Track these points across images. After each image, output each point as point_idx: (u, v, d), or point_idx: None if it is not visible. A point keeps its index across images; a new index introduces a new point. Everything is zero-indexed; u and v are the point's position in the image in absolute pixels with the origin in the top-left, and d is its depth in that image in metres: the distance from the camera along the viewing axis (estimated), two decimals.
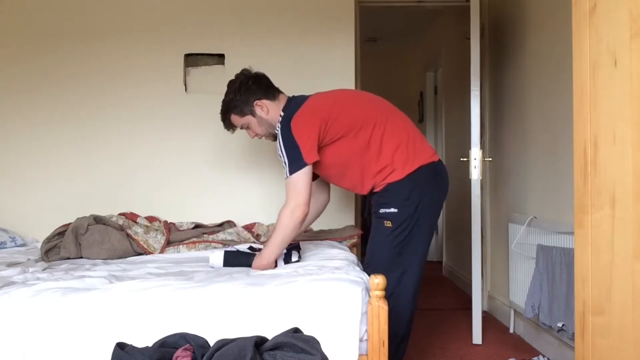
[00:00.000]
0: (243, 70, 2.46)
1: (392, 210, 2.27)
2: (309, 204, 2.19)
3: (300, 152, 2.18)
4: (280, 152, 2.22)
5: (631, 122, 1.17)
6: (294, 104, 2.34)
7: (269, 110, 2.38)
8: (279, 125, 2.27)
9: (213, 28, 3.38)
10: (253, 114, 2.38)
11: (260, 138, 2.50)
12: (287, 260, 2.30)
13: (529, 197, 3.11)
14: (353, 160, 2.31)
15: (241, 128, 2.45)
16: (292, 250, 2.35)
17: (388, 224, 2.28)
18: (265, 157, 3.37)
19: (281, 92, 2.46)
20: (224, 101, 2.42)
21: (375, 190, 2.34)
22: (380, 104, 2.43)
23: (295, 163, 2.17)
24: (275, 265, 2.24)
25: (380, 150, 2.28)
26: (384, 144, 2.28)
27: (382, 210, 2.29)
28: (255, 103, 2.37)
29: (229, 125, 2.45)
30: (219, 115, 2.46)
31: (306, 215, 2.20)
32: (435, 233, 5.77)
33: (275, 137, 2.35)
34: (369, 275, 1.82)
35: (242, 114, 2.39)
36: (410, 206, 2.26)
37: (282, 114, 2.34)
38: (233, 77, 2.45)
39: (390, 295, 2.15)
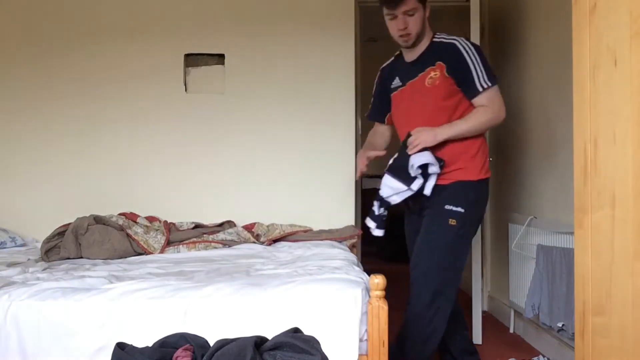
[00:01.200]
0: None
1: (459, 209, 2.22)
2: None
3: (489, 65, 2.25)
4: (472, 61, 2.20)
5: (631, 122, 1.17)
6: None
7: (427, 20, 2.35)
8: (466, 43, 2.26)
9: (213, 28, 3.38)
10: (424, 9, 2.33)
11: (403, 36, 2.32)
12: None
13: (529, 197, 3.11)
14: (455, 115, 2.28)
15: (404, 13, 2.27)
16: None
17: (453, 222, 2.21)
18: (266, 157, 3.37)
19: None
20: None
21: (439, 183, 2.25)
22: None
23: (492, 78, 2.22)
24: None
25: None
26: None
27: (447, 207, 2.23)
28: (427, 2, 2.33)
29: (403, 2, 2.25)
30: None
31: (496, 125, 2.34)
32: None
33: (409, 46, 2.36)
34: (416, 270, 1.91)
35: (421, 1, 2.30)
36: (476, 211, 2.28)
37: (439, 33, 2.37)
38: None
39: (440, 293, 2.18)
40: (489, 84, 2.20)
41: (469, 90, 2.23)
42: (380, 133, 2.66)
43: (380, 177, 2.34)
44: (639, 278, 1.14)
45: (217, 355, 1.16)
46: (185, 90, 3.39)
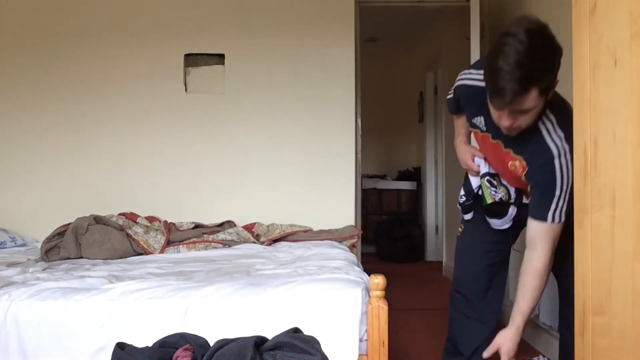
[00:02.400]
0: (537, 21, 1.59)
1: None
2: None
3: (569, 206, 1.68)
4: (561, 188, 1.69)
5: (631, 122, 1.17)
6: (561, 106, 1.77)
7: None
8: (565, 158, 1.67)
9: (213, 28, 3.38)
10: (547, 98, 1.65)
11: (511, 132, 1.71)
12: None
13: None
14: None
15: (520, 112, 1.61)
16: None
17: None
18: (266, 156, 3.38)
19: None
20: (526, 62, 1.51)
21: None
22: None
23: (570, 207, 1.66)
24: None
25: None
26: None
27: None
28: (555, 83, 1.65)
29: (516, 101, 1.56)
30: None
31: None
32: (435, 233, 5.81)
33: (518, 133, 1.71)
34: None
35: (545, 94, 1.61)
36: None
37: (549, 113, 1.72)
38: (532, 25, 1.55)
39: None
40: (562, 219, 1.72)
41: (537, 210, 1.76)
42: (463, 121, 2.14)
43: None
44: (639, 278, 1.14)
45: (217, 355, 1.16)
46: (185, 90, 3.39)
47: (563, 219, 1.72)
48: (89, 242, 2.66)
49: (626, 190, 1.18)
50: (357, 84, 3.54)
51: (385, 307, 1.72)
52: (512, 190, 1.98)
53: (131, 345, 1.26)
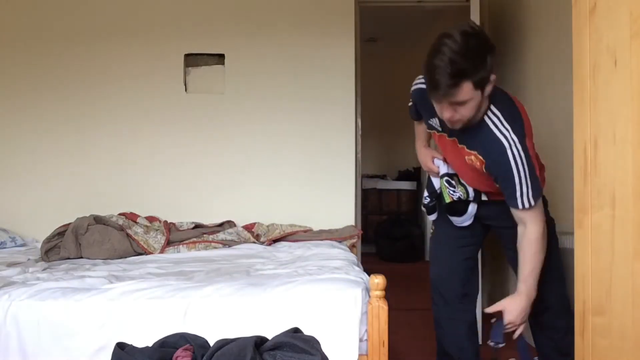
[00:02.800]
0: (473, 25, 1.78)
1: None
2: None
3: (537, 175, 1.83)
4: (518, 173, 1.79)
5: (631, 122, 1.16)
6: (507, 103, 1.90)
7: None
8: (517, 147, 1.79)
9: (213, 28, 3.38)
10: (483, 92, 1.75)
11: (455, 125, 1.83)
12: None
13: None
14: None
15: (457, 103, 1.73)
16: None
17: None
18: (266, 156, 3.37)
19: None
20: (458, 59, 1.65)
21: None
22: None
23: (537, 190, 1.83)
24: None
25: None
26: None
27: None
28: (492, 78, 1.77)
29: (451, 93, 1.69)
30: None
31: None
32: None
33: (464, 126, 1.83)
34: None
35: (480, 87, 1.73)
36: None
37: (495, 109, 1.85)
38: (468, 28, 1.72)
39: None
40: (532, 204, 1.83)
41: (509, 199, 1.87)
42: (422, 126, 2.25)
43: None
44: (639, 278, 1.14)
45: (217, 355, 1.16)
46: (185, 90, 3.39)
47: (533, 202, 1.82)
48: (89, 242, 2.66)
49: (626, 190, 1.18)
50: (357, 84, 3.54)
51: (385, 307, 1.72)
52: (471, 190, 2.06)
53: (131, 345, 1.26)
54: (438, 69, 1.66)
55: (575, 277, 1.40)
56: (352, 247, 2.94)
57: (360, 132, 3.73)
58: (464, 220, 2.13)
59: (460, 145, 1.94)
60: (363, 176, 5.23)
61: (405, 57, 6.74)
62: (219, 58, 3.41)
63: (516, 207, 1.85)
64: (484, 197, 2.08)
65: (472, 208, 2.10)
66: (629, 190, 1.17)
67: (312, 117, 3.37)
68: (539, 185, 1.86)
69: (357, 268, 2.17)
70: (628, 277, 1.18)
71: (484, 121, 1.85)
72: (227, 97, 3.38)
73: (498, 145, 1.81)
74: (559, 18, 2.67)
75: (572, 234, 1.39)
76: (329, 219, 3.25)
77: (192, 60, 3.42)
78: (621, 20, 1.19)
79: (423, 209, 2.29)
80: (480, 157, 1.87)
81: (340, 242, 2.92)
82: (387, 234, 5.83)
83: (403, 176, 6.56)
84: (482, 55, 1.71)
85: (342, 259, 2.32)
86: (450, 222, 2.18)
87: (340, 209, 3.35)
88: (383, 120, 6.60)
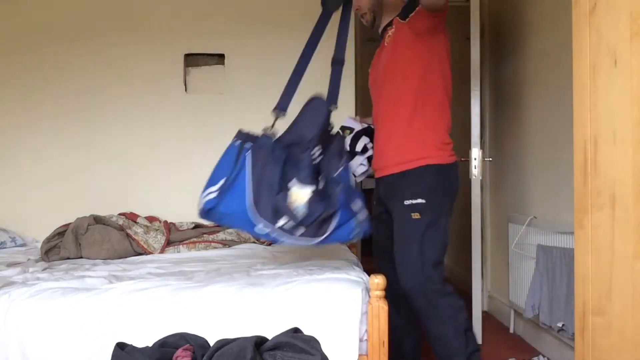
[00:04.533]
0: None
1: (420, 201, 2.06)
2: None
3: None
4: None
5: (631, 122, 1.17)
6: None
7: None
8: None
9: (213, 28, 3.38)
10: None
11: (363, 18, 2.42)
12: (353, 145, 2.16)
13: (529, 197, 3.11)
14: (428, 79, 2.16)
15: None
16: (362, 136, 2.19)
17: (416, 215, 2.06)
18: None
19: None
20: None
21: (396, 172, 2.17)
22: None
23: None
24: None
25: (443, 109, 2.16)
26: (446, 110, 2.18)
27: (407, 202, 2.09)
28: None
29: None
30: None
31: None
32: None
33: (373, 22, 2.38)
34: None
35: None
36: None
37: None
38: None
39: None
40: None
41: None
42: None
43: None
44: (639, 278, 1.14)
45: (217, 355, 1.16)
46: (185, 90, 3.39)
47: None
48: (89, 242, 2.66)
49: (626, 190, 1.18)
50: (357, 84, 3.53)
51: (385, 307, 1.72)
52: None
53: (131, 345, 1.26)
54: None
55: (576, 277, 1.40)
56: (352, 247, 2.94)
57: None
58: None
59: (381, 45, 2.35)
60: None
61: None
62: (219, 58, 3.41)
63: None
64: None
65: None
66: (629, 190, 1.17)
67: None
68: None
69: (357, 268, 2.17)
70: (628, 277, 1.18)
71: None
72: (227, 97, 3.38)
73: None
74: (559, 18, 2.67)
75: (572, 234, 1.39)
76: None
77: (192, 60, 3.42)
78: (621, 20, 1.19)
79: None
80: (397, 18, 2.20)
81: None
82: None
83: None
84: None
85: (342, 259, 2.32)
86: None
87: None
88: None
